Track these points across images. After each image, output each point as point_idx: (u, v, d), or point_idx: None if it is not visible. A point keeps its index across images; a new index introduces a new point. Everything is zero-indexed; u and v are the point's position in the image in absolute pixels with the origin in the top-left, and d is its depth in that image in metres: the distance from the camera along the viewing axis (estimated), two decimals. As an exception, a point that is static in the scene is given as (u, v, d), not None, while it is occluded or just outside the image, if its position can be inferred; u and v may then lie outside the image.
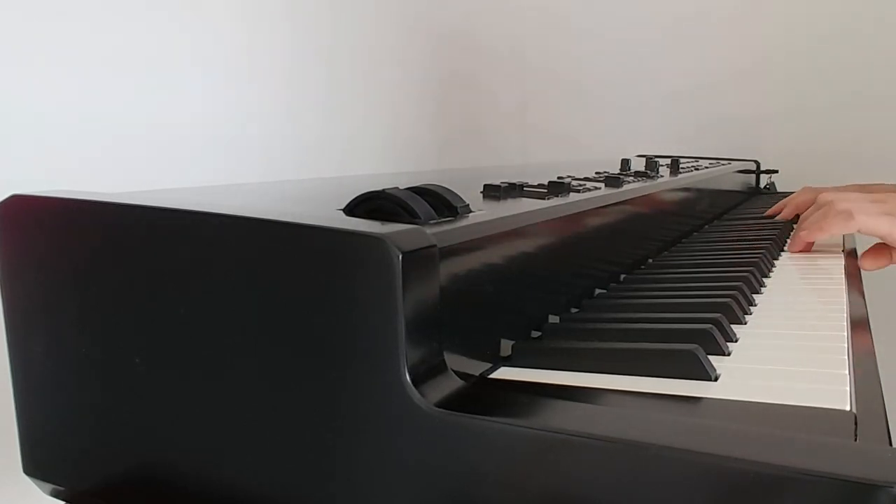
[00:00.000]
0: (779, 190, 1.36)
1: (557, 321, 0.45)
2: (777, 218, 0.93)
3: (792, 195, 0.95)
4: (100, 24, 0.71)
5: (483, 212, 0.39)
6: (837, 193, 0.76)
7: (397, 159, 1.20)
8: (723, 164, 1.16)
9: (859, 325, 0.46)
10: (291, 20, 0.97)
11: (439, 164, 1.31)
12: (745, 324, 0.46)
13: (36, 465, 0.39)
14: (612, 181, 0.62)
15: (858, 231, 0.71)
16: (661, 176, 0.77)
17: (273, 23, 0.93)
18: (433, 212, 0.36)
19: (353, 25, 1.08)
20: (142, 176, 0.74)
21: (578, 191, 0.54)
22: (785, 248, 0.78)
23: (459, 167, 1.18)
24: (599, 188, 0.58)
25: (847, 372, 0.35)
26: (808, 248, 0.75)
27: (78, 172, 0.67)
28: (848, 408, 0.30)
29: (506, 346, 0.39)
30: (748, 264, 0.61)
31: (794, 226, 0.83)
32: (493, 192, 0.49)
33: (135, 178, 0.72)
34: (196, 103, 0.82)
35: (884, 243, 0.71)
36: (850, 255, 0.74)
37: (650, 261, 0.67)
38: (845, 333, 0.42)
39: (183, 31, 0.80)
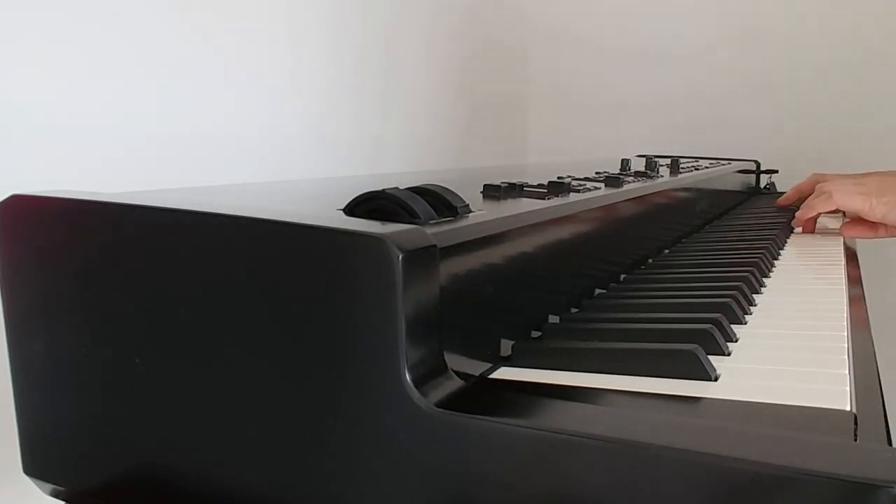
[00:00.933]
0: (779, 190, 1.36)
1: (557, 321, 0.45)
2: (780, 201, 1.05)
3: (800, 182, 1.04)
4: (143, 27, 0.70)
5: (483, 212, 0.39)
6: (828, 178, 0.92)
7: (422, 157, 1.20)
8: (723, 164, 1.15)
9: (859, 325, 0.46)
10: (325, 21, 0.96)
11: (462, 160, 1.31)
12: (745, 324, 0.46)
13: (36, 464, 0.39)
14: (612, 181, 0.62)
15: (837, 209, 0.88)
16: (661, 176, 0.77)
17: (308, 24, 0.93)
18: (433, 212, 0.36)
19: (380, 25, 1.09)
20: (175, 176, 0.73)
21: (578, 191, 0.54)
22: (782, 250, 0.78)
23: (467, 165, 1.18)
24: (599, 188, 0.58)
25: (847, 372, 0.35)
26: (809, 226, 0.90)
27: (102, 173, 0.66)
28: (848, 408, 0.30)
29: (506, 346, 0.39)
30: (748, 264, 0.61)
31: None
32: (493, 192, 0.49)
33: (165, 179, 0.71)
34: (227, 106, 0.81)
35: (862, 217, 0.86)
36: (851, 256, 0.74)
37: (650, 261, 0.67)
38: (845, 333, 0.42)
39: (212, 33, 0.80)
